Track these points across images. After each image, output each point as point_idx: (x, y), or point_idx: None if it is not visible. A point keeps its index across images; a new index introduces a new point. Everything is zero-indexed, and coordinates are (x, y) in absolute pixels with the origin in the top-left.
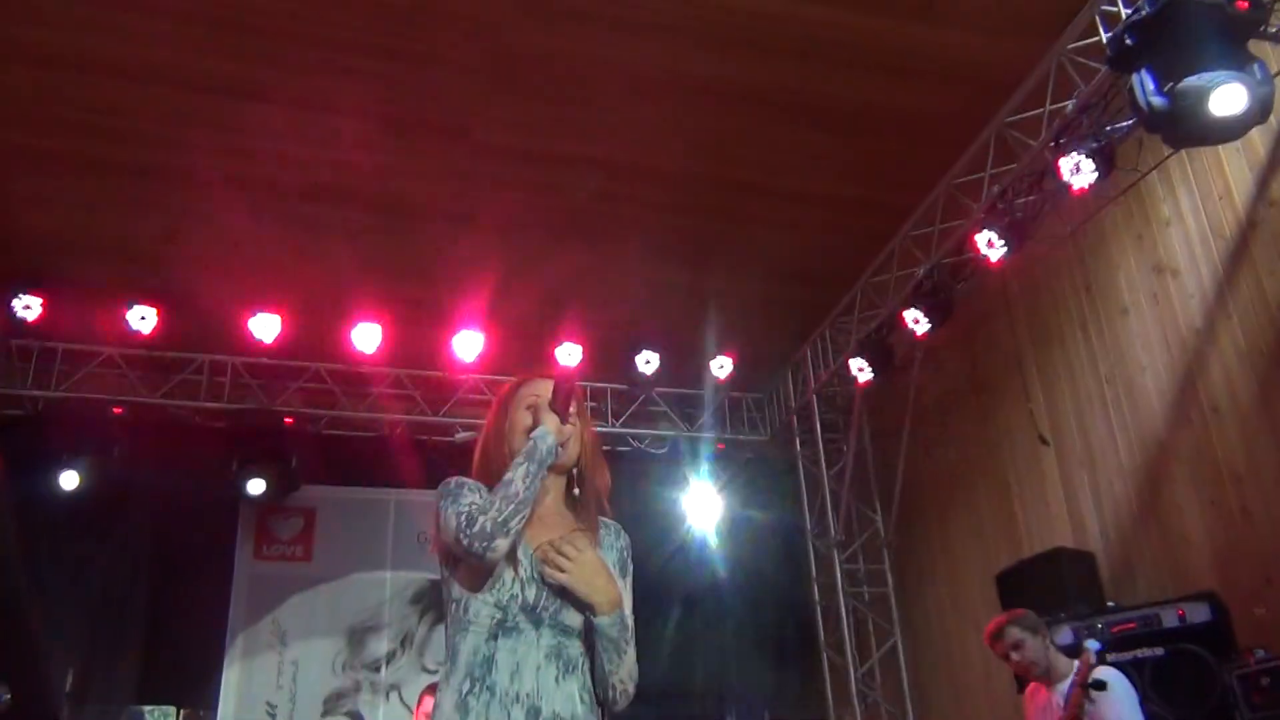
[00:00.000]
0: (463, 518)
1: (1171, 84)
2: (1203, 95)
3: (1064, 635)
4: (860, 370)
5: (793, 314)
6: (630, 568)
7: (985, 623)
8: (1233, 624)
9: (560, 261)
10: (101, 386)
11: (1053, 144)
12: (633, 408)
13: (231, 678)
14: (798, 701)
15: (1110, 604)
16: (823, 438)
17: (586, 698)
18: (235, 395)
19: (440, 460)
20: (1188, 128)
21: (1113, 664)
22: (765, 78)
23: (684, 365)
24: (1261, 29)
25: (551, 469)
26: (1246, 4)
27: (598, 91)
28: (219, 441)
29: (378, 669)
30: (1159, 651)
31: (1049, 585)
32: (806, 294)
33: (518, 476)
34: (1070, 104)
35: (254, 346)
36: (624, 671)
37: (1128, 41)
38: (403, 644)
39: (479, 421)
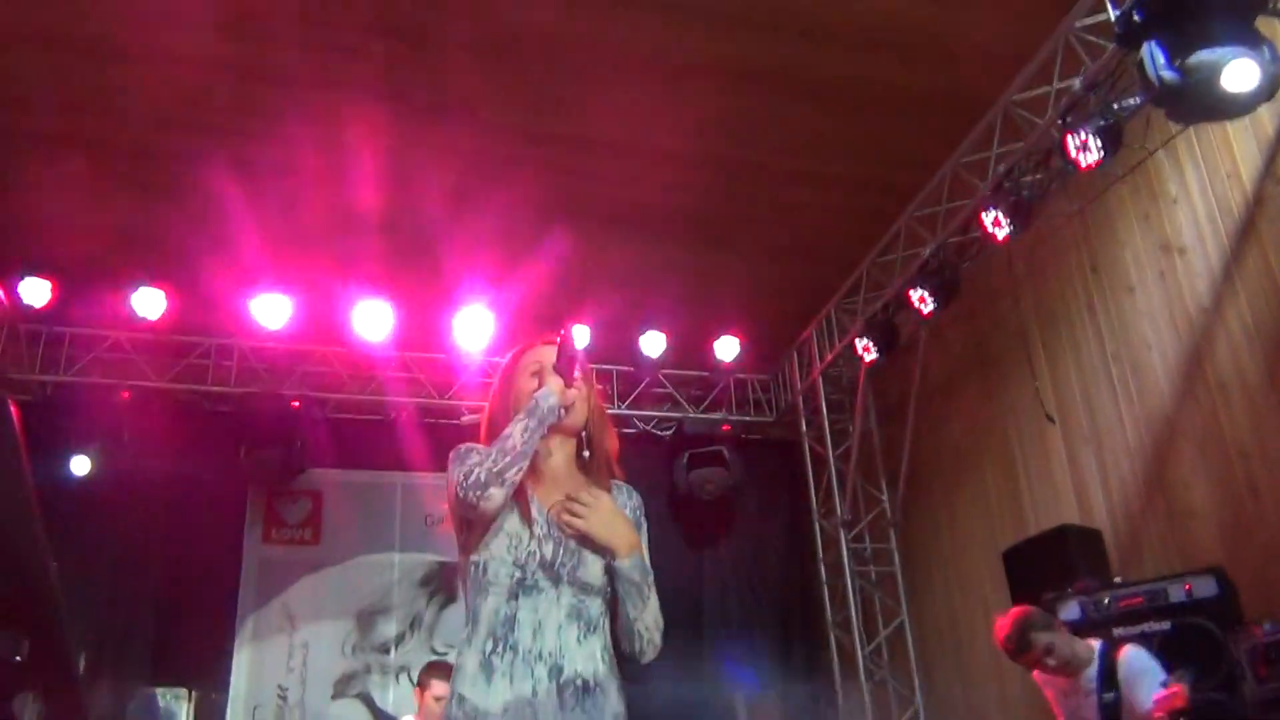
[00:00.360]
0: (462, 474)
1: (1182, 58)
2: (1215, 69)
3: (1071, 610)
4: (866, 350)
5: (798, 294)
6: (645, 525)
7: (992, 600)
8: (1240, 598)
9: (565, 242)
10: (109, 371)
11: (1060, 122)
12: (638, 389)
13: (242, 660)
14: (805, 681)
15: (1117, 579)
16: (829, 418)
17: (607, 657)
18: (242, 379)
19: (447, 443)
20: (1198, 102)
21: (1120, 638)
22: (770, 57)
23: (690, 346)
24: (1272, 5)
25: (560, 432)
26: None
27: (602, 71)
28: (226, 425)
29: (387, 651)
30: (1165, 625)
31: (1056, 562)
32: (812, 274)
33: (515, 430)
34: (1077, 82)
35: (261, 331)
36: (649, 617)
37: (1136, 18)
38: (411, 626)
39: (485, 404)
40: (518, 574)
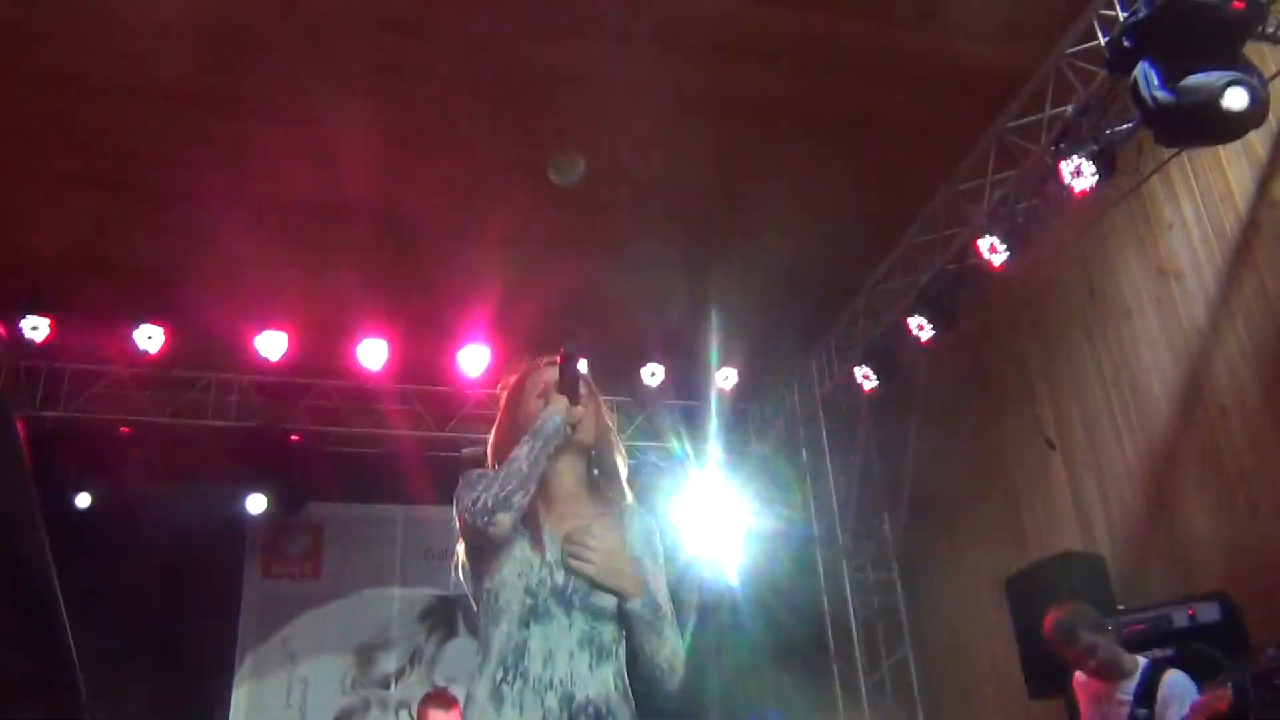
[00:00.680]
0: (470, 499)
1: (1175, 81)
2: (1212, 92)
3: None
4: (865, 378)
5: (797, 323)
6: (660, 549)
7: (996, 628)
8: (1244, 622)
9: (563, 274)
10: (109, 406)
11: (1053, 148)
12: (638, 421)
13: (241, 696)
14: (809, 712)
15: (1120, 606)
16: (829, 446)
17: (619, 684)
18: (242, 413)
19: (448, 476)
20: (1193, 124)
21: (1166, 660)
22: (766, 87)
23: (689, 377)
24: (1260, 30)
25: (569, 451)
26: (1242, 4)
27: (599, 103)
28: (227, 460)
29: (387, 686)
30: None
31: (1058, 589)
32: (810, 303)
33: (521, 453)
34: (1070, 108)
35: (260, 365)
36: (666, 652)
37: (1126, 44)
38: (412, 661)
39: (485, 437)
40: (529, 601)
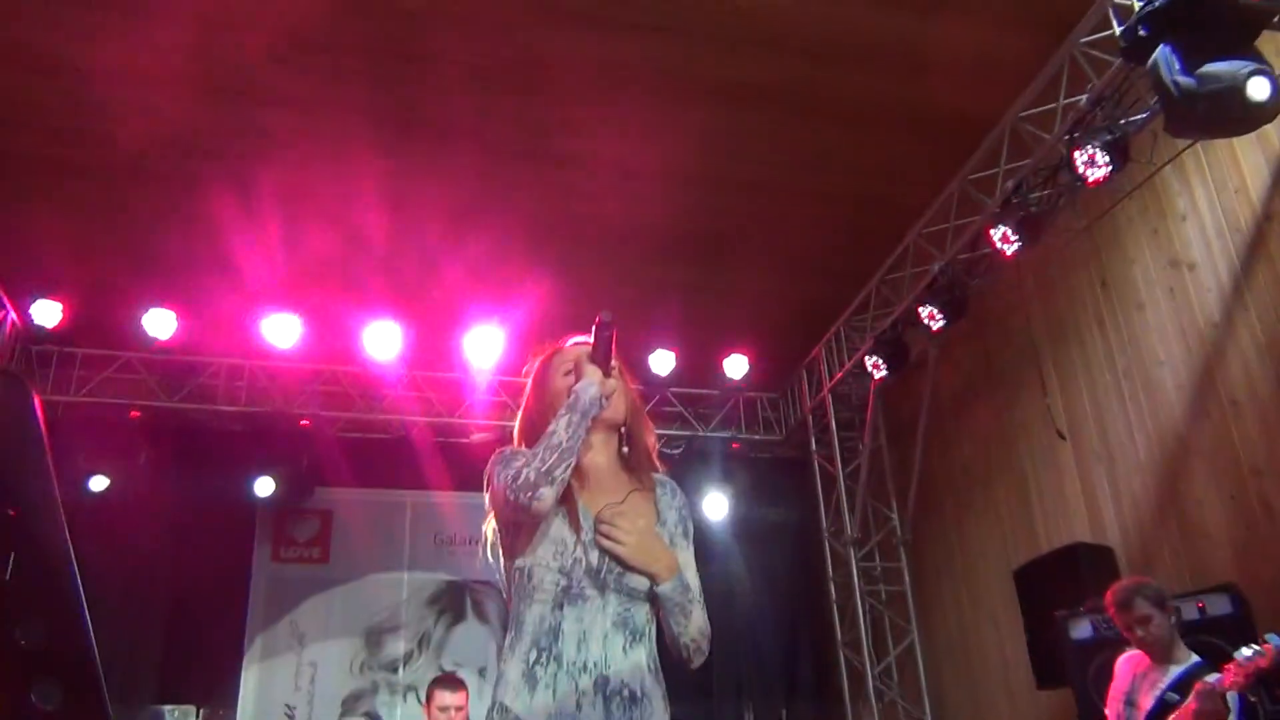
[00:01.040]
0: (509, 475)
1: (1195, 67)
2: (1236, 80)
3: (1083, 629)
4: (875, 368)
5: (807, 312)
6: (690, 527)
7: (1004, 619)
8: (1254, 616)
9: (573, 262)
10: (120, 391)
11: (1067, 137)
12: (647, 408)
13: (250, 679)
14: (815, 701)
15: None
16: (838, 436)
17: (653, 666)
18: (252, 399)
19: (456, 462)
20: (1214, 113)
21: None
22: (777, 76)
23: (698, 365)
24: (1276, 20)
25: (600, 426)
26: None
27: (606, 92)
28: (236, 444)
29: (395, 670)
30: None
31: (1067, 581)
32: (821, 292)
33: (560, 426)
34: (1084, 97)
35: (270, 350)
36: (693, 630)
37: (1141, 33)
38: (420, 644)
39: (494, 423)
40: (563, 581)
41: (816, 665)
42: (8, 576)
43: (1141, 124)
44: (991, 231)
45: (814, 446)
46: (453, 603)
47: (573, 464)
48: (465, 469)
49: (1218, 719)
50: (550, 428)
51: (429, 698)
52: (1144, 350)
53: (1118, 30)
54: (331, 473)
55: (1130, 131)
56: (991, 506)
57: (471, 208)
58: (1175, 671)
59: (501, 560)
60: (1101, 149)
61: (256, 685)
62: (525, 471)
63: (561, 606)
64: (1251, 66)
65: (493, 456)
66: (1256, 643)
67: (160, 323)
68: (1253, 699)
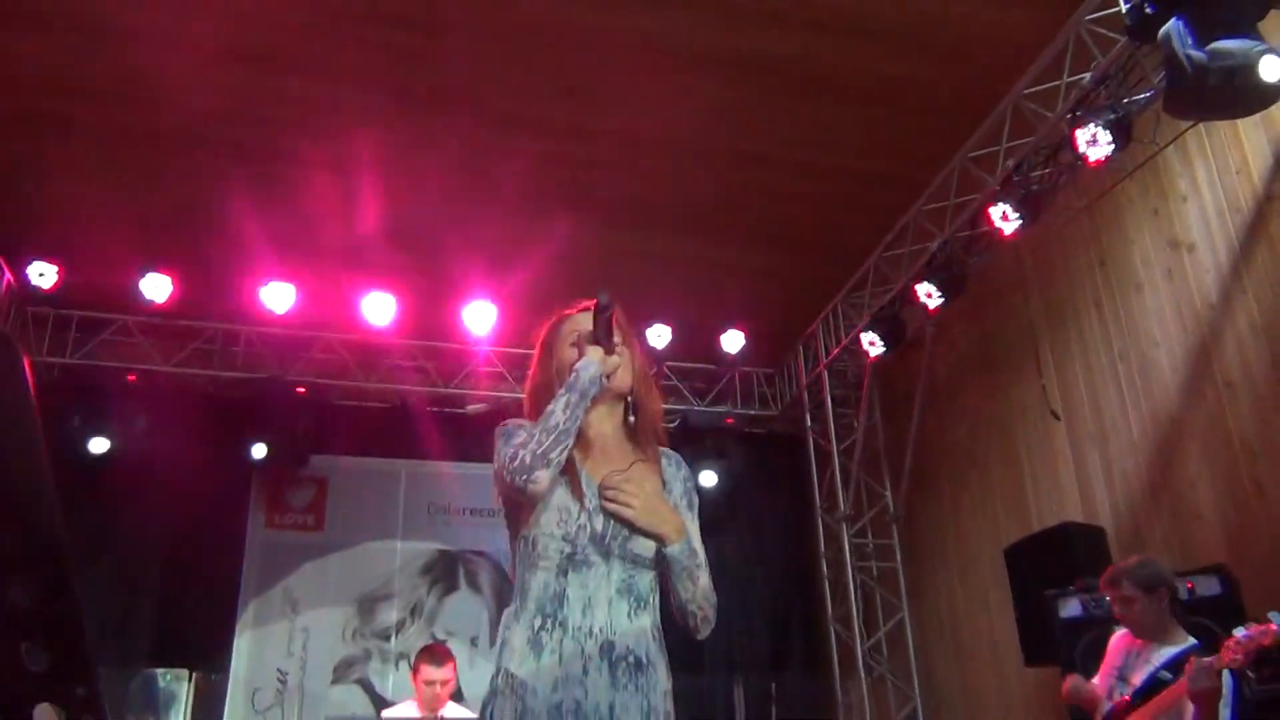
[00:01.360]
0: (507, 455)
1: (1206, 43)
2: (1249, 57)
3: (1072, 607)
4: (872, 345)
5: (804, 288)
6: (696, 500)
7: (994, 596)
8: (1243, 597)
9: (571, 233)
10: (116, 354)
11: (1069, 116)
12: None
13: (243, 644)
14: (805, 674)
15: None
16: (833, 412)
17: (657, 635)
18: (248, 364)
19: (452, 432)
20: (1224, 90)
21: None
22: (779, 49)
23: (695, 339)
24: None
25: (606, 395)
26: None
27: (609, 61)
28: (232, 410)
29: (388, 638)
30: None
31: (1058, 560)
32: (818, 268)
33: (558, 407)
34: (1088, 76)
35: (267, 316)
36: (700, 597)
37: (1148, 10)
38: (412, 613)
39: (490, 394)
40: (568, 549)
41: (807, 640)
42: None
43: (1145, 104)
44: (991, 210)
45: (809, 423)
46: (445, 572)
47: (569, 445)
48: (461, 439)
49: (1211, 696)
50: (549, 408)
51: (415, 669)
52: (1140, 332)
53: (1123, 7)
54: (327, 440)
55: (1133, 111)
56: (984, 485)
57: (473, 176)
58: (1169, 652)
59: (507, 530)
60: (1104, 128)
61: (249, 650)
62: (522, 454)
63: (566, 573)
64: (1263, 45)
65: (497, 429)
66: (1245, 623)
67: (157, 286)
68: (1250, 674)
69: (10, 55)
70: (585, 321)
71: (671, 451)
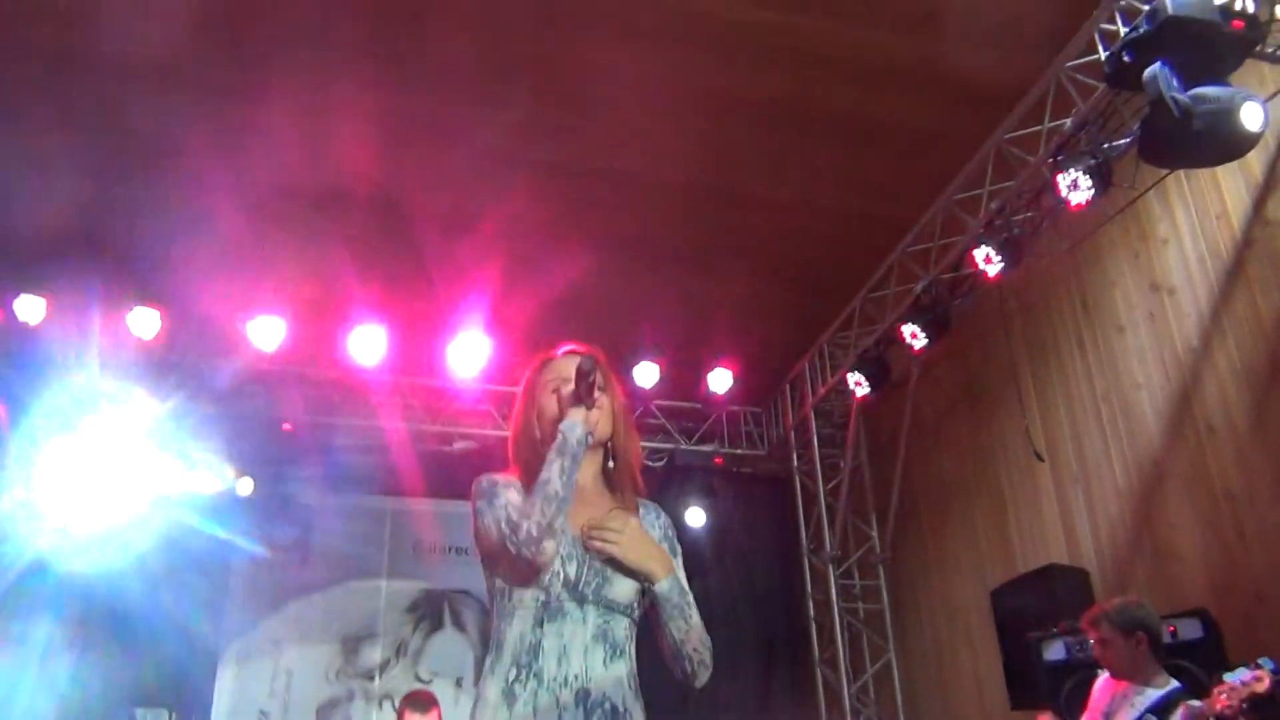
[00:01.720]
0: (504, 523)
1: (1190, 87)
2: (1233, 103)
3: (1056, 650)
4: (858, 385)
5: (791, 327)
6: (678, 547)
7: (980, 638)
8: (1224, 641)
9: (560, 271)
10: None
11: (1051, 160)
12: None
13: (224, 684)
14: (791, 717)
15: None
16: (820, 452)
17: (633, 684)
18: (235, 400)
19: (438, 469)
20: (1206, 134)
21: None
22: (766, 89)
23: (683, 378)
24: (1258, 49)
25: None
26: (1242, 23)
27: (600, 98)
28: (218, 446)
29: (371, 678)
30: None
31: (1042, 601)
32: (805, 307)
33: (554, 475)
34: (1069, 121)
35: (254, 352)
36: (695, 638)
37: (1126, 58)
38: (397, 653)
39: (477, 432)
40: (542, 596)
41: (793, 682)
42: None
43: (1124, 149)
44: (975, 252)
45: (796, 462)
46: (430, 611)
47: (568, 509)
48: (446, 477)
49: None
50: (543, 475)
51: (400, 715)
52: (1123, 373)
53: (1103, 55)
54: (312, 477)
55: (1113, 156)
56: (969, 526)
57: (464, 211)
58: (1155, 695)
59: (485, 579)
60: (1084, 173)
61: (230, 689)
62: (527, 526)
63: (542, 624)
64: (1244, 92)
65: (474, 486)
66: (1228, 667)
67: (144, 321)
68: None
69: None
70: (565, 368)
71: (649, 501)
